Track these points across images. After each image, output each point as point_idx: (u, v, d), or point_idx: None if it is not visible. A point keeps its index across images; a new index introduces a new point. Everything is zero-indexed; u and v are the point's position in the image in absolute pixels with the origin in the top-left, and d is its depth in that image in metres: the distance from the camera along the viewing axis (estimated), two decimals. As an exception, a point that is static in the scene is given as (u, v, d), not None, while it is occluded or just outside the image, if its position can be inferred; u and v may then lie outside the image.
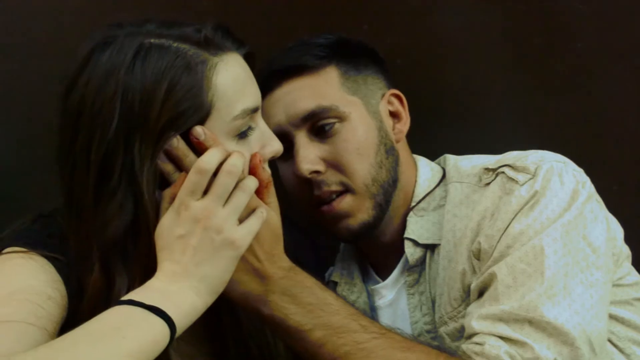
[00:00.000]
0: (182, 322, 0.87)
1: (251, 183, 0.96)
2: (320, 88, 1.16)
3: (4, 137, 1.44)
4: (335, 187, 1.15)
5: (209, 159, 0.92)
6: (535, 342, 0.96)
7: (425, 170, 1.22)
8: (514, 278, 1.01)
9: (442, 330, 1.13)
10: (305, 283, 1.00)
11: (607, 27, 1.40)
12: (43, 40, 1.40)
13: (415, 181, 1.21)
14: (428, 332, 1.18)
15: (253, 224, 0.95)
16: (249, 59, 1.01)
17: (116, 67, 0.92)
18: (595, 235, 1.04)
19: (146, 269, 0.92)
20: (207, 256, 0.90)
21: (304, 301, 0.98)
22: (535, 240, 1.02)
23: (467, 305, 1.08)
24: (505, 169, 1.10)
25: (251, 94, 0.98)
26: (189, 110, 0.92)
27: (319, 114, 1.14)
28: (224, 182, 0.92)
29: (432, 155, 1.27)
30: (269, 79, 1.14)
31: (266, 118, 1.09)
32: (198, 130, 0.93)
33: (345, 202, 1.15)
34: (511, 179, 1.08)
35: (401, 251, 1.19)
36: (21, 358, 0.79)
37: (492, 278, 1.03)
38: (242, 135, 0.97)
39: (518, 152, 1.14)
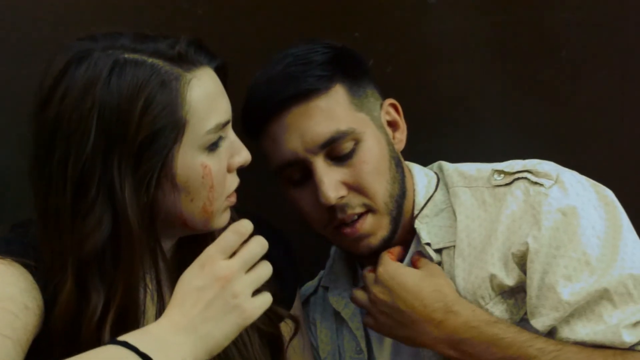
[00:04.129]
0: None
1: None
2: (333, 111, 1.12)
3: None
4: (358, 210, 1.14)
5: (248, 225, 0.93)
6: None
7: (421, 177, 1.23)
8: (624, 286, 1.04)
9: None
10: (471, 323, 1.05)
11: (591, 35, 1.43)
12: (43, 40, 1.39)
13: (414, 189, 1.21)
14: None
15: (268, 299, 0.93)
16: (220, 71, 1.01)
17: (92, 83, 0.91)
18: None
19: (127, 286, 0.92)
20: (216, 315, 0.89)
21: (475, 342, 1.03)
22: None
23: (496, 303, 1.10)
24: (527, 174, 1.12)
25: (223, 108, 0.99)
26: (165, 127, 0.93)
27: (337, 139, 1.12)
28: (254, 250, 0.92)
29: (422, 163, 1.27)
30: (272, 104, 1.11)
31: (277, 144, 1.10)
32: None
33: (367, 223, 1.15)
34: (536, 183, 1.11)
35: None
36: None
37: (601, 294, 1.04)
38: (213, 146, 0.98)
39: (526, 160, 1.16)
